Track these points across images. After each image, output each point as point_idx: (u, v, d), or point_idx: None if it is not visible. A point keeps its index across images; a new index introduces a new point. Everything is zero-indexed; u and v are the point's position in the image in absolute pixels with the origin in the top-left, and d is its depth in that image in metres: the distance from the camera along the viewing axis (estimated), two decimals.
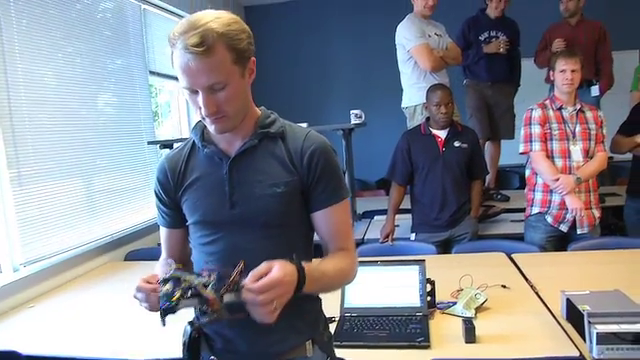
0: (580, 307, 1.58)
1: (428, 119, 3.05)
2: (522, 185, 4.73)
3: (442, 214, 2.93)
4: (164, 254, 1.22)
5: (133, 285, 1.01)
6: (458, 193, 2.94)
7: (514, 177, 5.04)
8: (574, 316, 1.64)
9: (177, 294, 0.93)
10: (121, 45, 3.40)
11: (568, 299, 1.69)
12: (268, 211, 1.07)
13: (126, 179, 3.34)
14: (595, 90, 3.65)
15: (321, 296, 1.22)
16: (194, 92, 1.01)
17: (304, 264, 0.99)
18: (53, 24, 2.75)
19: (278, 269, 0.91)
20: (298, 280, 0.95)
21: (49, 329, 2.01)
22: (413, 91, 3.34)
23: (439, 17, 3.57)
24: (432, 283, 1.85)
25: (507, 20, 3.84)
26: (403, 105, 3.55)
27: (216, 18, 1.00)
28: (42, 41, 2.65)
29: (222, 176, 1.09)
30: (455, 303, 1.84)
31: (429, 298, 1.83)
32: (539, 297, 1.95)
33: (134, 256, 3.06)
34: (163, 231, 1.23)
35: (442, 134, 2.96)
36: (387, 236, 2.96)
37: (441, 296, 1.89)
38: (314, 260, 1.12)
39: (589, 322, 1.46)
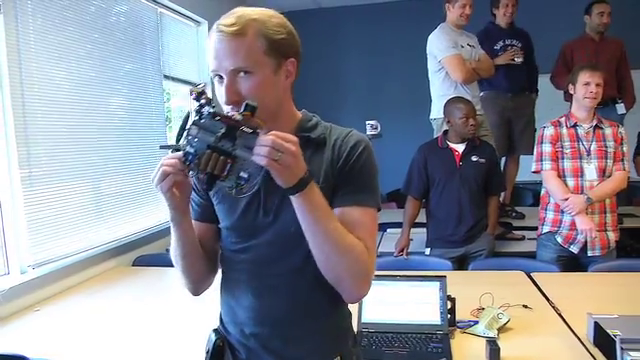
0: (610, 332, 1.51)
1: (446, 132, 3.00)
2: (535, 202, 4.65)
3: (458, 229, 2.87)
4: None
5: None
6: (475, 208, 2.88)
7: (527, 194, 4.97)
8: (603, 341, 1.56)
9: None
10: (136, 48, 3.38)
11: (596, 322, 1.62)
12: (293, 221, 1.00)
13: (137, 183, 3.29)
14: (621, 108, 3.59)
15: None
16: (220, 79, 0.98)
17: None
18: (68, 26, 2.72)
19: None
20: (304, 176, 0.90)
21: (55, 334, 1.95)
22: (443, 103, 3.27)
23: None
24: (453, 300, 1.78)
25: (518, 29, 3.77)
26: (432, 116, 3.46)
27: (258, 10, 0.99)
28: (57, 42, 2.62)
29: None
30: (476, 322, 1.77)
31: (449, 316, 1.77)
32: (562, 318, 1.88)
33: (142, 261, 3.00)
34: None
35: (460, 148, 2.91)
36: (402, 250, 2.90)
37: (461, 314, 1.82)
38: None
39: (622, 348, 1.39)
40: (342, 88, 5.69)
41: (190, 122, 0.91)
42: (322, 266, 0.98)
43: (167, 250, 3.44)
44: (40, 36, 2.50)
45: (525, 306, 1.98)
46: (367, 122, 3.26)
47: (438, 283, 1.80)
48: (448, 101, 2.99)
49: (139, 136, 3.38)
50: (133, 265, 3.02)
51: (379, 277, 1.87)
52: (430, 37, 3.38)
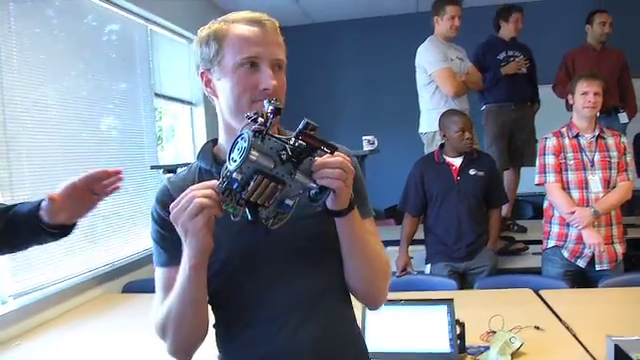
0: (635, 356, 1.40)
1: (442, 146, 2.92)
2: (536, 215, 4.59)
3: (458, 245, 2.78)
4: (160, 302, 0.96)
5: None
6: (474, 224, 2.78)
7: (527, 206, 4.89)
8: None
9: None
10: (126, 67, 3.31)
11: (617, 346, 1.51)
12: (309, 233, 0.95)
13: (126, 205, 3.18)
14: (624, 117, 3.55)
15: None
16: (253, 66, 0.93)
17: None
18: (57, 45, 2.66)
19: None
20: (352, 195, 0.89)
21: None
22: (433, 116, 3.21)
23: None
24: (462, 325, 1.67)
25: (520, 43, 3.76)
26: (421, 130, 3.41)
27: None
28: (45, 62, 2.56)
29: None
30: (487, 348, 1.66)
31: (458, 342, 1.66)
32: (577, 340, 1.77)
33: (132, 288, 2.86)
34: (164, 273, 0.97)
35: (457, 162, 2.83)
36: (404, 269, 2.80)
37: (470, 339, 1.71)
38: None
39: None
40: (338, 103, 5.62)
41: (244, 143, 0.76)
42: (361, 278, 1.00)
43: None
44: (26, 55, 2.43)
45: (537, 327, 1.87)
46: (364, 137, 3.17)
47: (445, 307, 1.69)
48: (443, 114, 2.93)
49: (130, 156, 3.28)
50: (122, 292, 2.87)
51: None
52: (419, 50, 3.34)
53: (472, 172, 2.81)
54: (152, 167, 3.44)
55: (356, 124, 5.23)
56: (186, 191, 0.81)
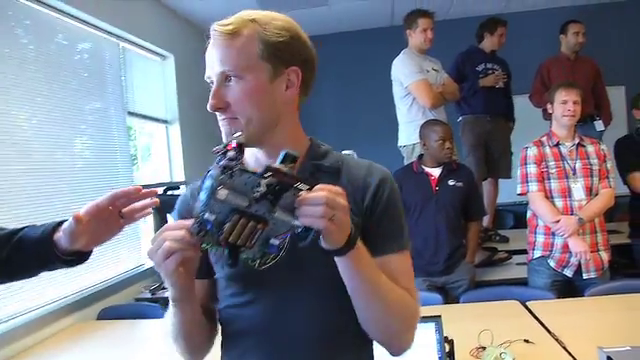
0: None
1: (421, 156, 2.90)
2: (517, 224, 4.60)
3: (435, 258, 2.74)
4: None
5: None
6: (452, 236, 2.76)
7: (508, 216, 4.90)
8: None
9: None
10: (98, 85, 3.22)
11: (609, 357, 1.48)
12: (319, 262, 0.84)
13: None
14: (600, 125, 3.61)
15: None
16: (212, 86, 0.89)
17: None
18: (27, 65, 2.58)
19: None
20: (352, 232, 0.77)
21: None
22: (411, 129, 3.20)
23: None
24: (451, 343, 1.62)
25: (499, 57, 3.81)
26: (400, 143, 3.39)
27: (262, 12, 0.90)
28: (15, 82, 2.47)
29: None
30: None
31: None
32: (568, 352, 1.74)
33: (107, 314, 2.72)
34: None
35: (436, 172, 2.80)
36: None
37: (459, 356, 1.66)
38: None
39: None
40: (315, 118, 5.49)
41: (211, 181, 0.71)
42: (371, 325, 0.89)
43: (136, 300, 3.14)
44: None
45: (527, 341, 1.83)
46: (343, 152, 3.13)
47: (433, 324, 1.63)
48: (424, 124, 2.91)
49: (103, 176, 3.17)
50: (98, 319, 2.73)
51: None
52: (395, 63, 3.34)
53: (451, 183, 2.78)
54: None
55: (335, 139, 5.14)
56: (160, 230, 0.76)
